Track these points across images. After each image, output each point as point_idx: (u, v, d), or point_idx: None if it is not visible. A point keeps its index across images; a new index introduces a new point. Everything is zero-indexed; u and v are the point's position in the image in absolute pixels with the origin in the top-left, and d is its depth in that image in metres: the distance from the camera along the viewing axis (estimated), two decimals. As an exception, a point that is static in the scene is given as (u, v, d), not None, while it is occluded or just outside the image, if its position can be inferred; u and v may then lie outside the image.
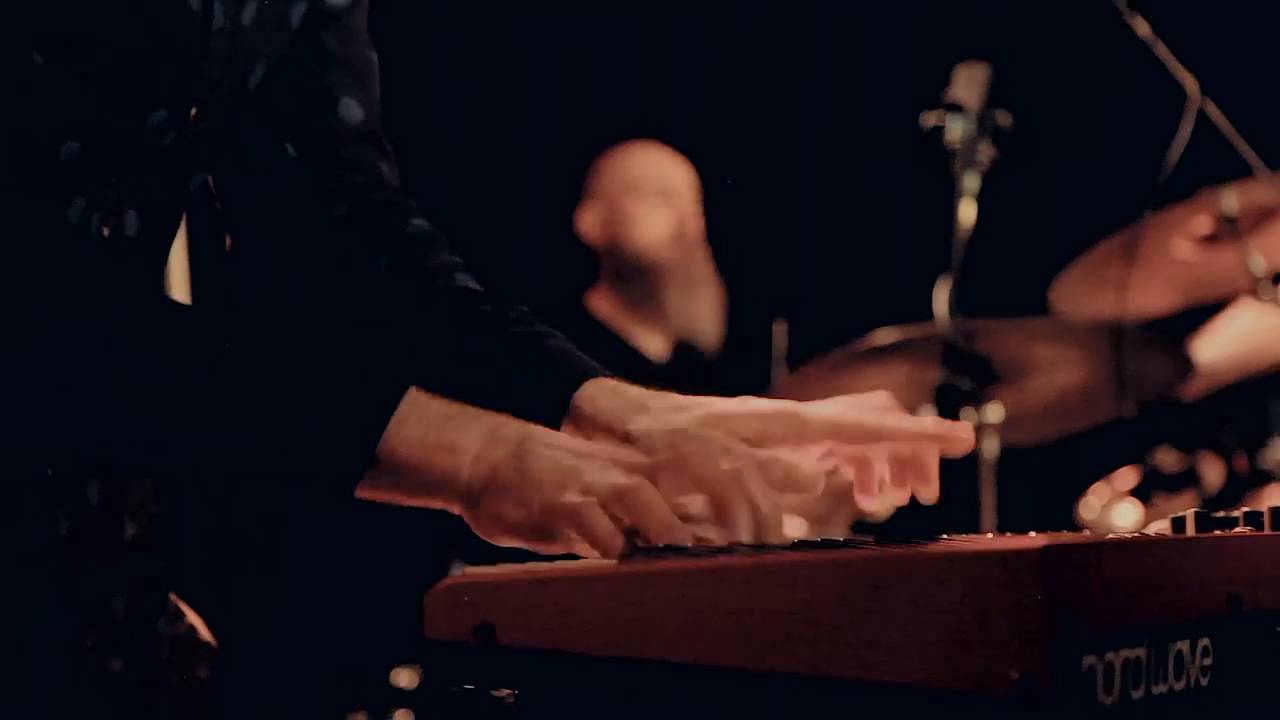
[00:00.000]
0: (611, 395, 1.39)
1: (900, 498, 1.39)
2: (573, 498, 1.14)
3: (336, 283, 1.64)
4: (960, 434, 1.35)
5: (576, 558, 1.20)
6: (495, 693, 0.96)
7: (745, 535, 1.15)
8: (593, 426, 1.39)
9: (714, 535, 1.18)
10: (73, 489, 1.50)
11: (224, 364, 1.25)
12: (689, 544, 1.13)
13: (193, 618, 1.69)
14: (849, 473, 1.39)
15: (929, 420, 1.63)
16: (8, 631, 1.43)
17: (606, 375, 1.42)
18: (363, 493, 1.20)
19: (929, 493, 1.37)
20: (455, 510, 1.21)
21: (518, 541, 1.19)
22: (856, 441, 1.36)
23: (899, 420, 1.36)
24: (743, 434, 1.29)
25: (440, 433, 1.21)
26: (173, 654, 1.67)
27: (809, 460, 1.35)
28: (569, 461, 1.18)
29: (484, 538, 1.20)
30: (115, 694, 1.57)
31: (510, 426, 1.22)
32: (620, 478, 1.15)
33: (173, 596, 1.67)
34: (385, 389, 1.23)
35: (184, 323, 1.34)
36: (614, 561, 1.09)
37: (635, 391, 1.39)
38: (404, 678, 2.93)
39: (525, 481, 1.17)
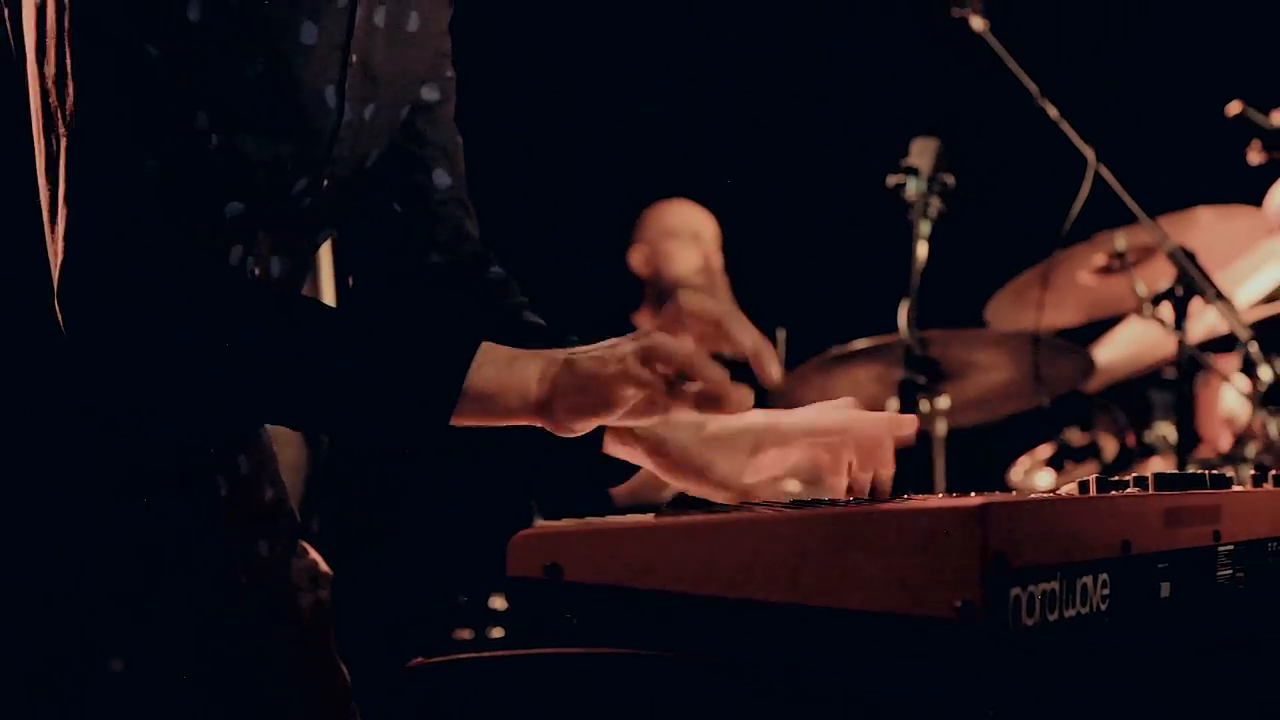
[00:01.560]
0: None
1: (865, 479, 1.53)
2: (616, 367, 1.26)
3: (433, 316, 1.80)
4: (906, 427, 1.55)
5: (634, 469, 1.47)
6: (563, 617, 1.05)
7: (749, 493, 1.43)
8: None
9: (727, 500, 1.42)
10: (229, 462, 1.65)
11: (359, 347, 1.39)
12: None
13: (314, 555, 1.83)
14: (824, 460, 1.52)
15: (883, 416, 1.69)
16: (185, 568, 1.60)
17: None
18: (458, 420, 1.34)
19: (886, 473, 1.53)
20: (535, 421, 1.34)
21: (588, 424, 1.33)
22: (824, 438, 1.51)
23: (858, 418, 1.53)
24: (742, 447, 1.50)
25: (509, 368, 1.34)
26: (302, 583, 1.79)
27: (796, 457, 1.52)
28: (601, 352, 1.29)
29: (562, 434, 1.34)
30: (263, 614, 1.70)
31: (556, 354, 1.34)
32: (645, 372, 1.27)
33: (301, 542, 1.82)
34: (465, 346, 1.35)
35: (333, 323, 1.50)
36: (652, 517, 1.14)
37: None
38: (499, 602, 3.21)
39: (578, 377, 1.29)
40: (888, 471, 1.53)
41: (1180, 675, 1.18)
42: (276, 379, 1.42)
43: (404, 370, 1.38)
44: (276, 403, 1.54)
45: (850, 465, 1.53)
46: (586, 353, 1.34)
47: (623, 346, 1.31)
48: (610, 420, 1.34)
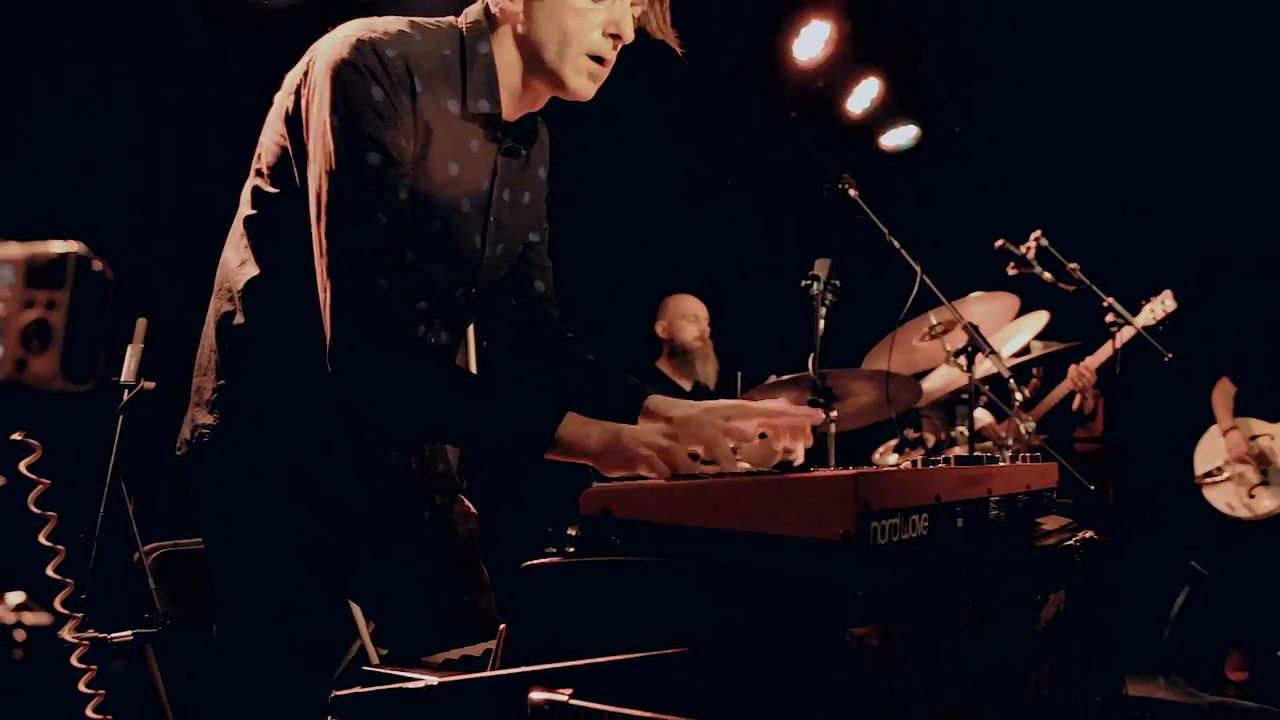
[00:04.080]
0: (662, 401, 1.82)
1: (795, 447, 1.78)
2: (644, 451, 1.51)
3: (536, 377, 1.99)
4: (816, 417, 1.80)
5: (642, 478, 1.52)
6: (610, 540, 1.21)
7: (725, 466, 1.56)
8: (652, 416, 1.79)
9: (711, 469, 1.55)
10: (418, 450, 1.90)
11: (494, 405, 1.59)
12: (697, 471, 1.50)
13: (467, 503, 2.04)
14: (770, 434, 1.76)
15: (804, 409, 1.81)
16: (396, 507, 1.86)
17: (658, 394, 1.84)
18: (548, 456, 1.56)
19: (806, 444, 1.79)
20: (589, 463, 1.56)
21: (620, 472, 1.55)
22: (772, 418, 1.74)
23: (790, 408, 1.77)
24: (724, 415, 1.65)
25: (581, 431, 1.55)
26: (459, 519, 2.01)
27: (752, 429, 1.68)
28: (640, 436, 1.53)
29: (603, 473, 1.55)
30: (438, 537, 1.94)
31: (611, 426, 1.55)
32: (663, 441, 1.53)
33: (459, 495, 2.03)
34: (556, 412, 1.56)
35: (478, 381, 1.79)
36: (665, 480, 1.37)
37: (674, 399, 1.81)
38: (573, 531, 3.58)
39: (620, 447, 1.53)
40: (806, 444, 1.78)
41: (963, 569, 1.33)
42: (449, 423, 1.65)
43: (520, 424, 1.57)
44: (449, 434, 1.86)
45: (784, 437, 1.76)
46: (634, 432, 1.55)
47: (651, 437, 1.54)
48: (629, 472, 1.56)
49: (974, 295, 4.22)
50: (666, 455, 1.50)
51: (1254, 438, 5.29)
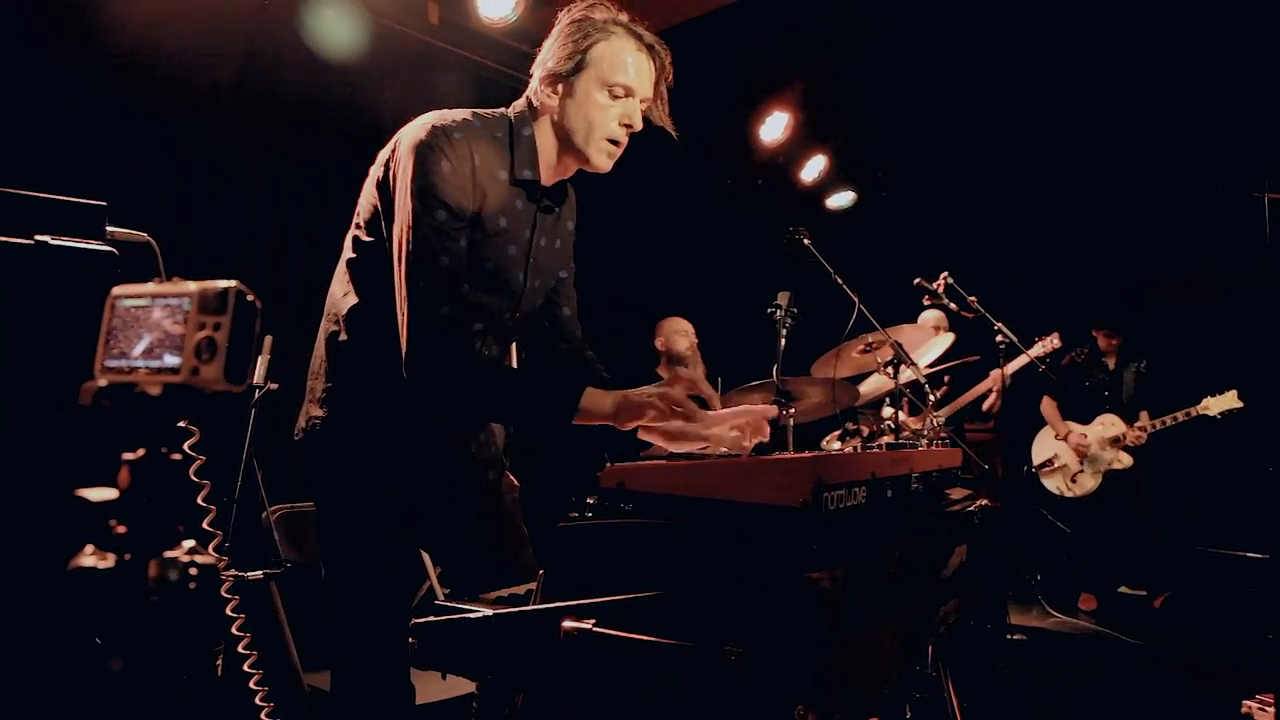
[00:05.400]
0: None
1: (755, 440, 1.76)
2: (649, 399, 1.55)
3: (562, 373, 1.97)
4: (771, 414, 1.77)
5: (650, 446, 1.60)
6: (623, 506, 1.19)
7: (711, 405, 1.62)
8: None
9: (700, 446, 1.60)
10: (475, 433, 1.89)
11: (531, 388, 1.60)
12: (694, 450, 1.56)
13: (511, 477, 2.01)
14: (739, 431, 1.74)
15: (762, 408, 1.78)
16: (458, 481, 1.84)
17: None
18: (576, 421, 1.56)
19: (764, 439, 1.76)
20: (608, 422, 1.56)
21: (633, 424, 1.56)
22: (738, 418, 1.74)
23: (752, 409, 1.76)
24: (710, 430, 1.69)
25: (598, 399, 1.56)
26: (506, 489, 1.99)
27: (728, 432, 1.71)
28: (644, 390, 1.57)
29: (621, 429, 1.55)
30: (490, 503, 1.93)
31: (619, 392, 1.58)
32: (662, 389, 1.56)
33: (506, 470, 1.97)
34: (578, 387, 1.57)
35: (524, 378, 1.68)
36: (665, 458, 1.33)
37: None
38: (592, 500, 3.23)
39: (629, 402, 1.55)
40: (764, 438, 1.77)
41: (891, 528, 1.35)
42: (498, 406, 1.67)
43: (552, 401, 1.59)
44: (498, 415, 1.85)
45: (749, 433, 1.76)
46: (636, 391, 1.59)
47: (651, 391, 1.57)
48: (642, 423, 1.59)
49: (897, 328, 4.10)
50: (666, 398, 1.52)
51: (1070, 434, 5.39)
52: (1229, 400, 4.82)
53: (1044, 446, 5.48)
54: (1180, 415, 5.01)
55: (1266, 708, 2.77)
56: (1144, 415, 5.22)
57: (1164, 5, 4.50)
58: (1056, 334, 4.82)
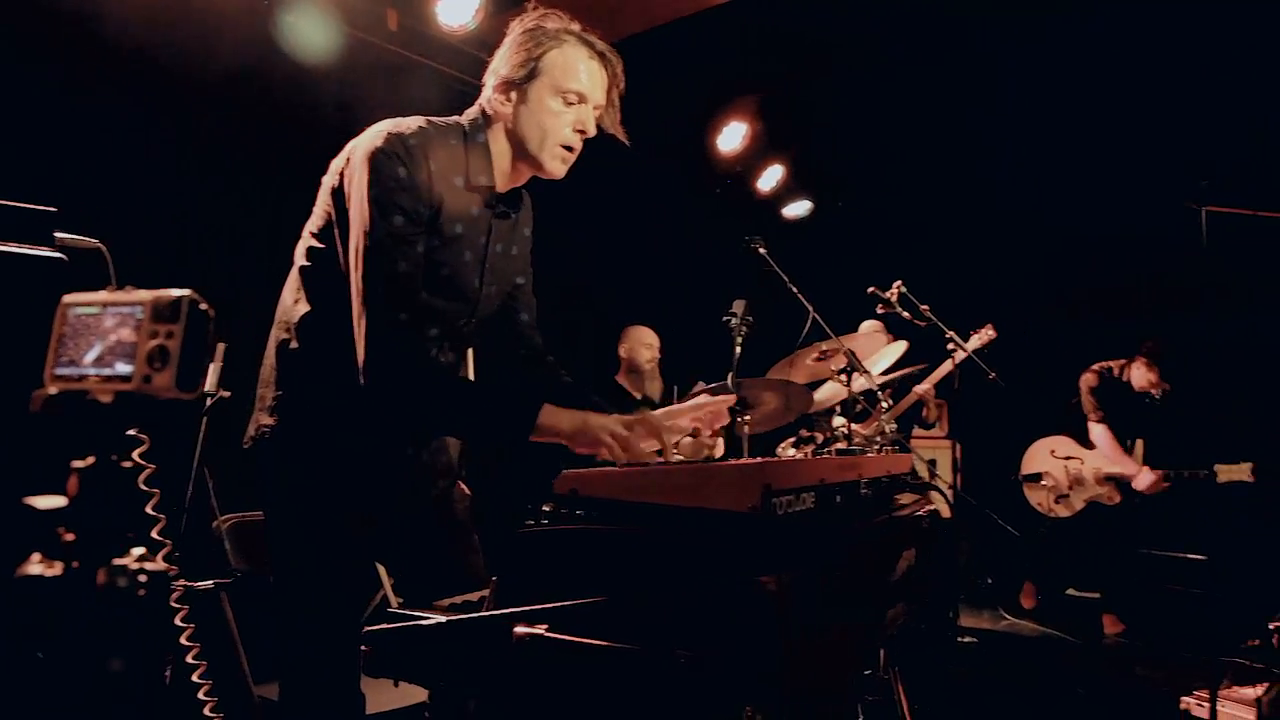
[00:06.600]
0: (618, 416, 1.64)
1: (715, 432, 1.76)
2: (606, 437, 1.51)
3: (520, 385, 1.94)
4: (730, 401, 1.78)
5: (608, 462, 1.49)
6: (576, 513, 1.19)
7: (666, 455, 1.54)
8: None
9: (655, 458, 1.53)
10: (426, 442, 1.87)
11: (488, 403, 1.56)
12: (648, 460, 1.49)
13: (463, 486, 1.98)
14: (699, 424, 1.74)
15: (721, 399, 1.79)
16: (407, 488, 1.83)
17: (614, 411, 1.67)
18: (533, 439, 1.52)
19: (724, 423, 1.77)
20: (565, 442, 1.53)
21: (587, 451, 1.54)
22: (699, 410, 1.74)
23: (710, 400, 1.77)
24: (666, 416, 1.67)
25: (556, 417, 1.52)
26: (458, 498, 1.96)
27: (686, 424, 1.71)
28: (604, 424, 1.53)
29: (576, 451, 1.53)
30: (441, 512, 1.91)
31: (580, 414, 1.54)
32: (622, 430, 1.52)
33: (458, 480, 1.98)
34: (535, 404, 1.53)
35: (481, 392, 1.62)
36: (620, 465, 1.35)
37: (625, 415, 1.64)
38: (548, 507, 2.95)
39: (588, 430, 1.52)
40: (724, 422, 1.75)
41: (840, 533, 1.34)
42: (454, 420, 1.64)
43: (509, 417, 1.54)
44: (454, 429, 1.84)
45: (710, 420, 1.76)
46: (599, 419, 1.53)
47: (612, 428, 1.51)
48: (592, 453, 1.56)
49: (852, 335, 4.08)
50: (623, 442, 1.50)
51: (1068, 458, 5.34)
52: (1241, 472, 4.72)
53: (1035, 461, 5.43)
54: (1188, 473, 4.88)
55: (1203, 703, 2.84)
56: (1139, 444, 5.15)
57: (1111, 17, 4.62)
58: (989, 325, 4.73)
